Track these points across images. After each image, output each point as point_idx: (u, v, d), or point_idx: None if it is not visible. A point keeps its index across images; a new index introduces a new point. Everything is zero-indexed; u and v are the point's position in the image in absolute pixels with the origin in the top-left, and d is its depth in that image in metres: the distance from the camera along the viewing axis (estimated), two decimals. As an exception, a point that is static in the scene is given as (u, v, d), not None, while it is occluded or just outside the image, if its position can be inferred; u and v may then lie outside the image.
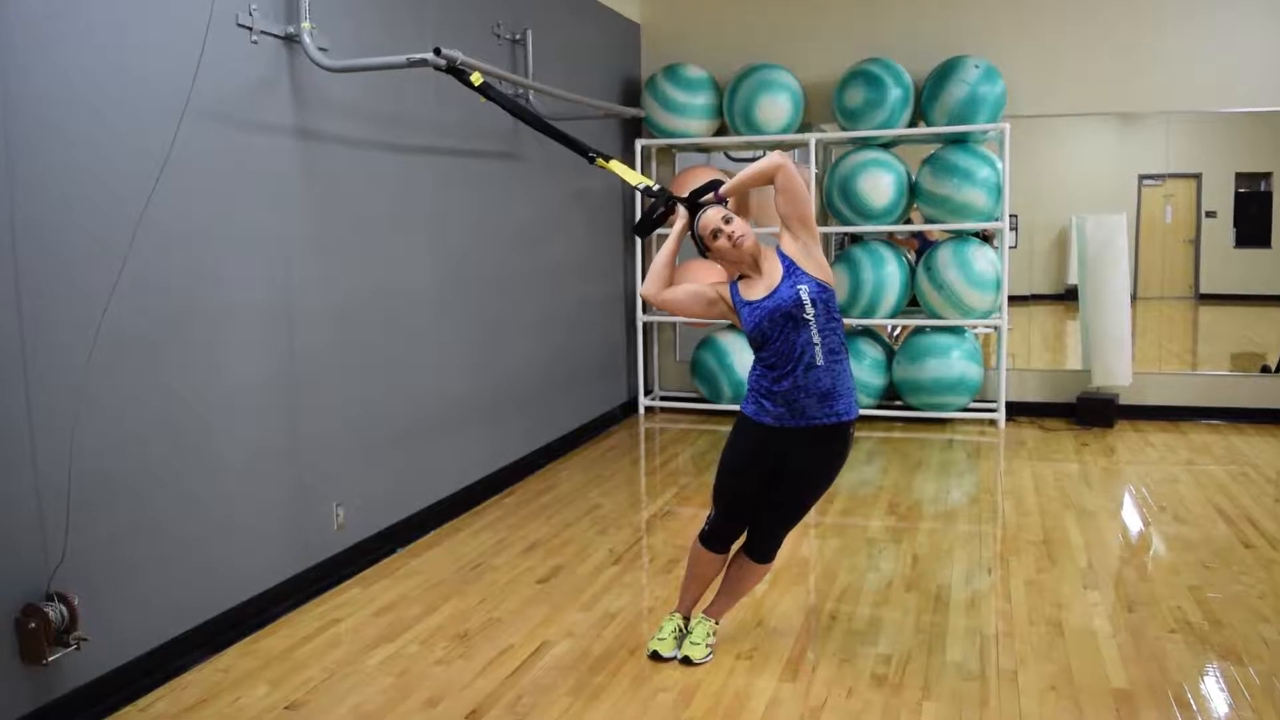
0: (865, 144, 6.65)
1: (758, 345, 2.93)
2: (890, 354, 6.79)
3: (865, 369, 6.60)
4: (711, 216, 2.94)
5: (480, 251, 5.13)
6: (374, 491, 4.26)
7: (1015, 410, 6.72)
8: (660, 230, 6.39)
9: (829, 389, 2.88)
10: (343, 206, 4.06)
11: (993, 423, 6.57)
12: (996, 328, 6.51)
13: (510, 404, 5.43)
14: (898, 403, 6.81)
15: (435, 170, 4.71)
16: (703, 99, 6.77)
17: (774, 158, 2.87)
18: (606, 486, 5.31)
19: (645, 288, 3.05)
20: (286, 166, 3.75)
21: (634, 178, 3.19)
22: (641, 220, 3.10)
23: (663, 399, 7.39)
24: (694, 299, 3.02)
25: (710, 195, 3.00)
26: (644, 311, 7.18)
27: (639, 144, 6.89)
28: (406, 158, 4.49)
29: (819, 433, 2.91)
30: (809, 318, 2.85)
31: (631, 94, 7.06)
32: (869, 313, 6.58)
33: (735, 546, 3.20)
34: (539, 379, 5.77)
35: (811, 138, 6.60)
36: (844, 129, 6.62)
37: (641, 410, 7.14)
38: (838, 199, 6.58)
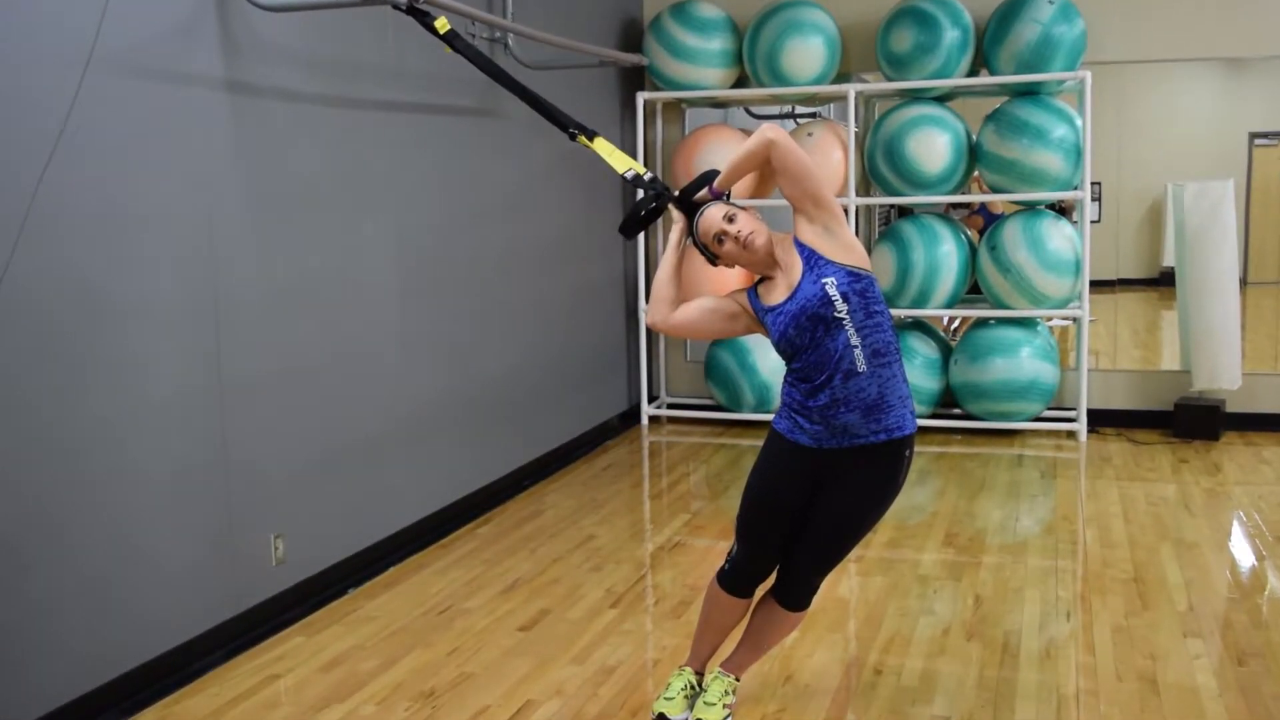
0: (916, 97, 6.63)
1: (788, 356, 2.91)
2: (947, 352, 6.78)
3: (916, 371, 6.58)
4: (712, 217, 2.94)
5: (450, 229, 5.13)
6: (321, 519, 4.26)
7: (1099, 419, 6.70)
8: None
9: (876, 399, 2.86)
10: (282, 176, 4.05)
11: (1071, 435, 6.56)
12: (1075, 319, 6.49)
13: (487, 413, 5.44)
14: (956, 411, 6.80)
15: (395, 131, 4.71)
16: (718, 43, 6.76)
17: (762, 132, 2.85)
18: (603, 513, 5.30)
19: (650, 315, 3.04)
20: (213, 128, 3.74)
21: (621, 162, 3.19)
22: (628, 218, 3.10)
23: (671, 407, 7.38)
24: (711, 317, 3.00)
25: (705, 191, 2.99)
26: (647, 302, 7.14)
27: (641, 98, 6.88)
28: (359, 116, 4.49)
29: (866, 454, 2.89)
30: (841, 315, 2.82)
31: (633, 38, 7.05)
32: (920, 302, 6.56)
33: (762, 589, 3.18)
34: (521, 383, 5.78)
35: (850, 90, 6.59)
36: (890, 79, 6.61)
37: (645, 420, 7.13)
38: (883, 164, 6.56)
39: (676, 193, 3.03)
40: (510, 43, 5.51)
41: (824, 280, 2.83)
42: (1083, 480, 5.74)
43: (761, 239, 2.91)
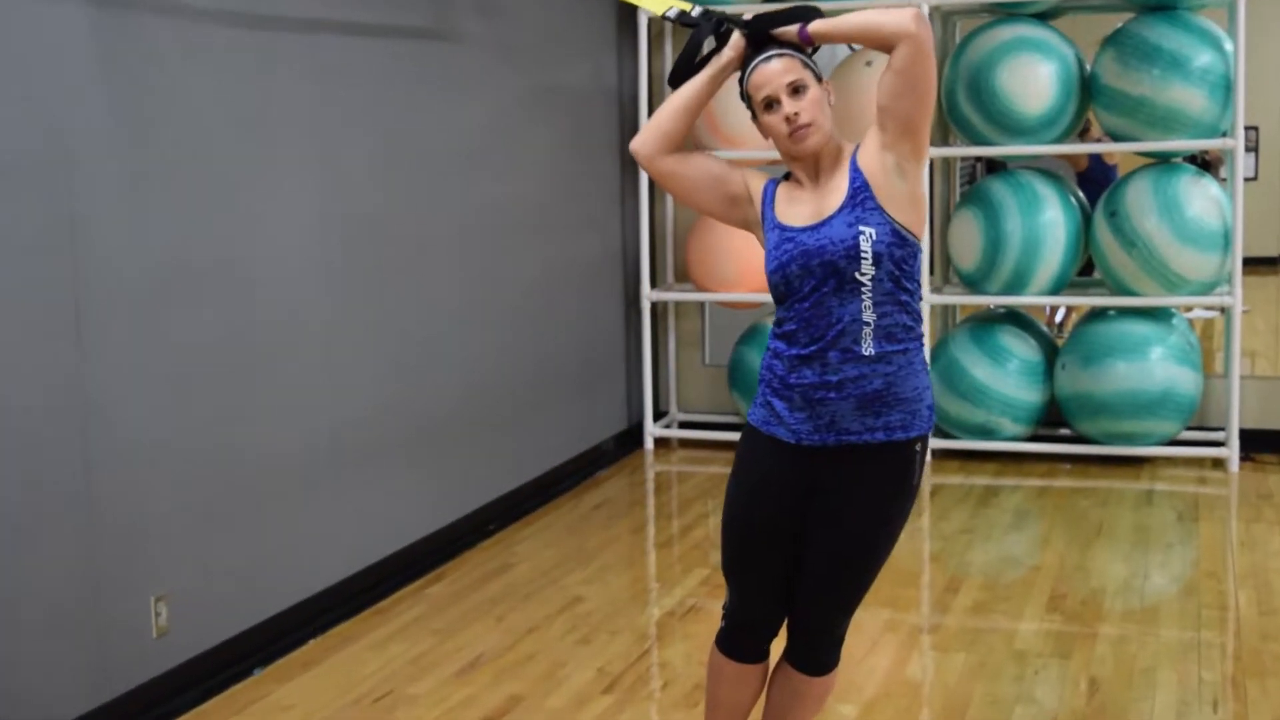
0: (1010, 14, 6.62)
1: (779, 298, 2.97)
2: (1051, 354, 6.76)
3: (1010, 377, 6.58)
4: (774, 73, 2.92)
5: (392, 192, 5.12)
6: (217, 576, 4.25)
7: (1256, 443, 6.68)
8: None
9: (879, 392, 2.92)
10: (164, 119, 4.03)
11: (1218, 463, 6.54)
12: (1224, 309, 6.46)
13: (440, 436, 5.43)
14: (1064, 432, 6.79)
15: (318, 59, 4.69)
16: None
17: (905, 16, 2.86)
18: (593, 567, 5.29)
19: (636, 140, 3.05)
20: (67, 52, 3.72)
21: (659, 3, 3.18)
22: (681, 59, 3.07)
23: (684, 426, 7.37)
24: (707, 182, 3.03)
25: (793, 29, 2.96)
26: (653, 286, 7.16)
27: (643, 14, 6.87)
28: (270, 38, 4.47)
29: (860, 456, 2.95)
30: (864, 280, 2.87)
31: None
32: (1015, 287, 6.55)
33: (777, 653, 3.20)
34: (487, 396, 5.76)
35: (923, 2, 6.58)
36: (976, -11, 6.62)
37: (649, 443, 7.13)
38: (966, 103, 6.55)
39: (748, 17, 2.99)
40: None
41: (862, 227, 2.87)
42: (1234, 524, 5.72)
43: (815, 139, 2.92)
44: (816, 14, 2.95)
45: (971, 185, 7.19)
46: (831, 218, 2.89)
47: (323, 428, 4.74)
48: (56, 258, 3.68)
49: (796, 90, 2.90)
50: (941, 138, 6.84)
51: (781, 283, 2.93)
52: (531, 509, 6.04)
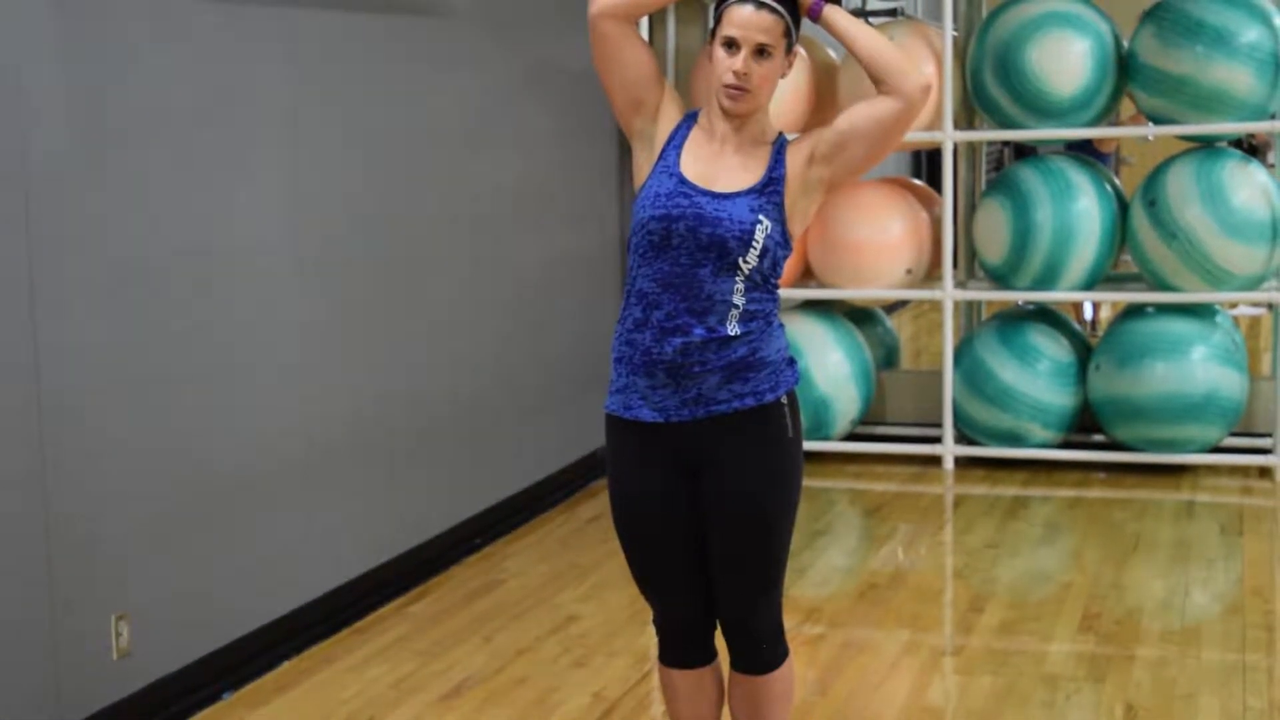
0: (1040, -13, 6.64)
1: (644, 249, 3.02)
2: (1085, 354, 6.76)
3: (1040, 379, 6.58)
4: (752, 22, 2.93)
5: (370, 179, 5.11)
6: (183, 593, 4.24)
7: (1303, 449, 6.67)
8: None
9: (743, 359, 3.03)
10: (122, 97, 4.02)
11: (1265, 472, 6.54)
12: (1271, 306, 6.46)
13: (422, 444, 5.42)
14: (1098, 438, 6.79)
15: (290, 33, 4.69)
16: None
17: (926, 79, 3.01)
18: (588, 584, 5.29)
19: None
20: (27, 26, 3.71)
21: None
22: None
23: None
24: (631, 68, 3.03)
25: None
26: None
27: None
28: (241, 12, 4.47)
29: (732, 424, 3.04)
30: (744, 267, 2.98)
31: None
32: (1046, 281, 6.56)
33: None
34: (472, 400, 5.76)
35: (947, -22, 6.59)
36: (1004, -39, 6.63)
37: (653, 451, 7.12)
38: (993, 83, 6.56)
39: None
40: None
41: (762, 217, 2.97)
42: (1281, 538, 5.72)
43: (744, 105, 2.97)
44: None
45: (999, 172, 7.18)
46: (737, 195, 2.98)
47: (298, 433, 4.73)
48: (9, 248, 3.66)
49: (761, 52, 2.94)
50: (967, 120, 6.84)
51: (660, 234, 2.98)
52: (521, 522, 6.04)
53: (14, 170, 3.67)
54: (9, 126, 3.66)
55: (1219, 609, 4.95)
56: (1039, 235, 6.48)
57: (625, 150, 6.98)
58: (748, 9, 2.93)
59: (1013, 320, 6.84)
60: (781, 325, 3.11)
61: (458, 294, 5.64)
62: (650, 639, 4.71)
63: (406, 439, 5.31)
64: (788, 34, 2.95)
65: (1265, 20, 6.25)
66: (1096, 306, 9.01)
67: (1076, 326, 7.06)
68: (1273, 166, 6.50)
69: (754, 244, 2.96)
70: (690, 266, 2.97)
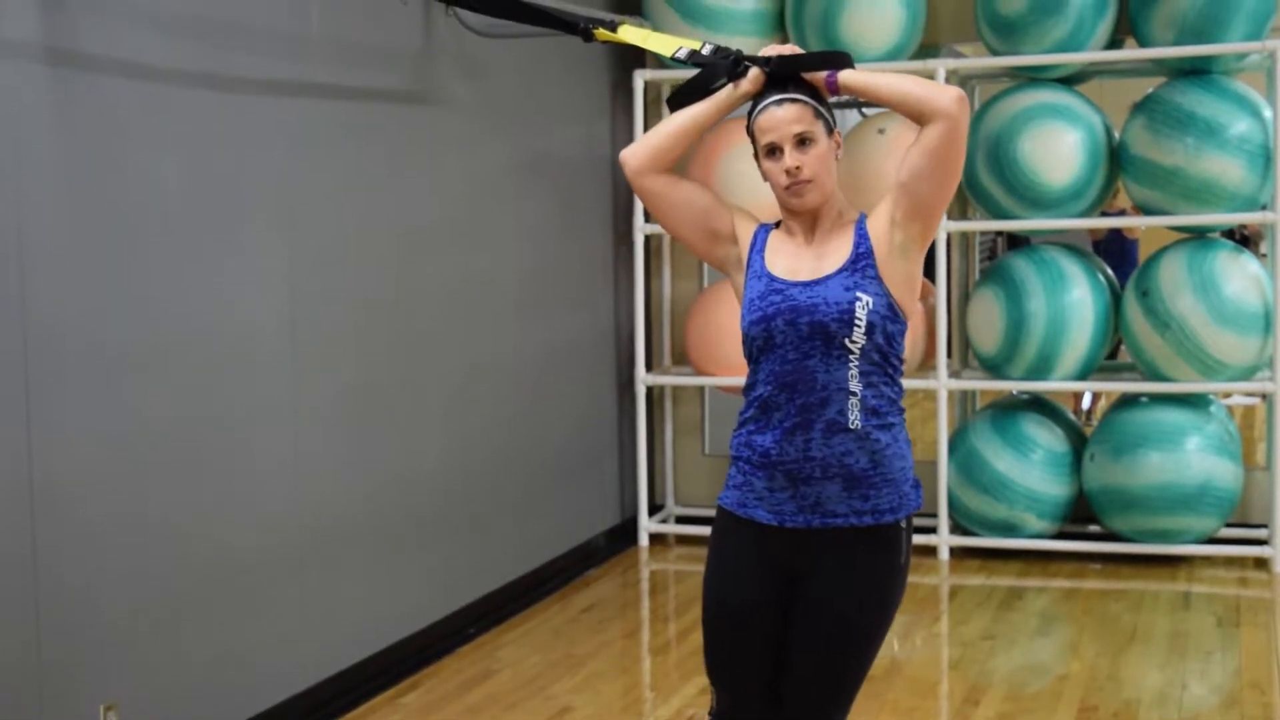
0: (1033, 79, 6.69)
1: (753, 354, 3.03)
2: (1080, 444, 6.78)
3: (1034, 469, 6.59)
4: (784, 119, 2.96)
5: (367, 264, 5.14)
6: (173, 683, 4.21)
7: (1301, 541, 6.67)
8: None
9: (866, 470, 2.97)
10: (123, 185, 4.06)
11: (1261, 563, 6.52)
12: (1265, 396, 6.48)
13: (416, 530, 5.42)
14: (1094, 528, 6.79)
15: (289, 122, 4.73)
16: (751, 1, 6.86)
17: (955, 91, 2.94)
18: (583, 674, 5.26)
19: (628, 151, 3.10)
20: (22, 113, 3.75)
21: (667, 44, 3.25)
22: (684, 88, 3.12)
23: (682, 520, 7.35)
24: (692, 210, 3.08)
25: (821, 75, 3.01)
26: (648, 369, 7.19)
27: (640, 78, 6.93)
28: (239, 101, 4.51)
29: (847, 540, 2.98)
30: (853, 348, 2.93)
31: (629, -6, 7.14)
32: (1040, 371, 6.58)
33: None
34: (468, 486, 5.76)
35: (940, 67, 6.64)
36: (995, 53, 6.68)
37: (644, 540, 7.11)
38: (986, 174, 6.61)
39: (774, 56, 3.02)
40: None
41: (859, 294, 2.94)
42: (1279, 630, 5.70)
43: (814, 196, 2.98)
44: (848, 63, 3.00)
45: (992, 262, 7.22)
46: (828, 278, 2.95)
47: (292, 521, 4.72)
48: (5, 330, 3.69)
49: (803, 142, 2.95)
50: (960, 211, 6.88)
51: (761, 336, 2.98)
52: (515, 611, 6.00)
53: (9, 254, 3.70)
54: (4, 212, 3.69)
55: (1217, 701, 4.93)
56: (1033, 325, 6.50)
57: (618, 237, 7.05)
58: (770, 111, 2.97)
59: (1007, 410, 6.84)
60: (909, 441, 3.04)
61: (453, 382, 5.65)
62: (644, 730, 4.73)
63: (398, 528, 5.30)
64: (820, 116, 2.96)
65: (1255, 113, 6.31)
66: (1096, 397, 9.02)
67: (1071, 416, 7.04)
68: (1264, 257, 6.55)
69: (857, 321, 2.91)
70: (799, 360, 2.95)
